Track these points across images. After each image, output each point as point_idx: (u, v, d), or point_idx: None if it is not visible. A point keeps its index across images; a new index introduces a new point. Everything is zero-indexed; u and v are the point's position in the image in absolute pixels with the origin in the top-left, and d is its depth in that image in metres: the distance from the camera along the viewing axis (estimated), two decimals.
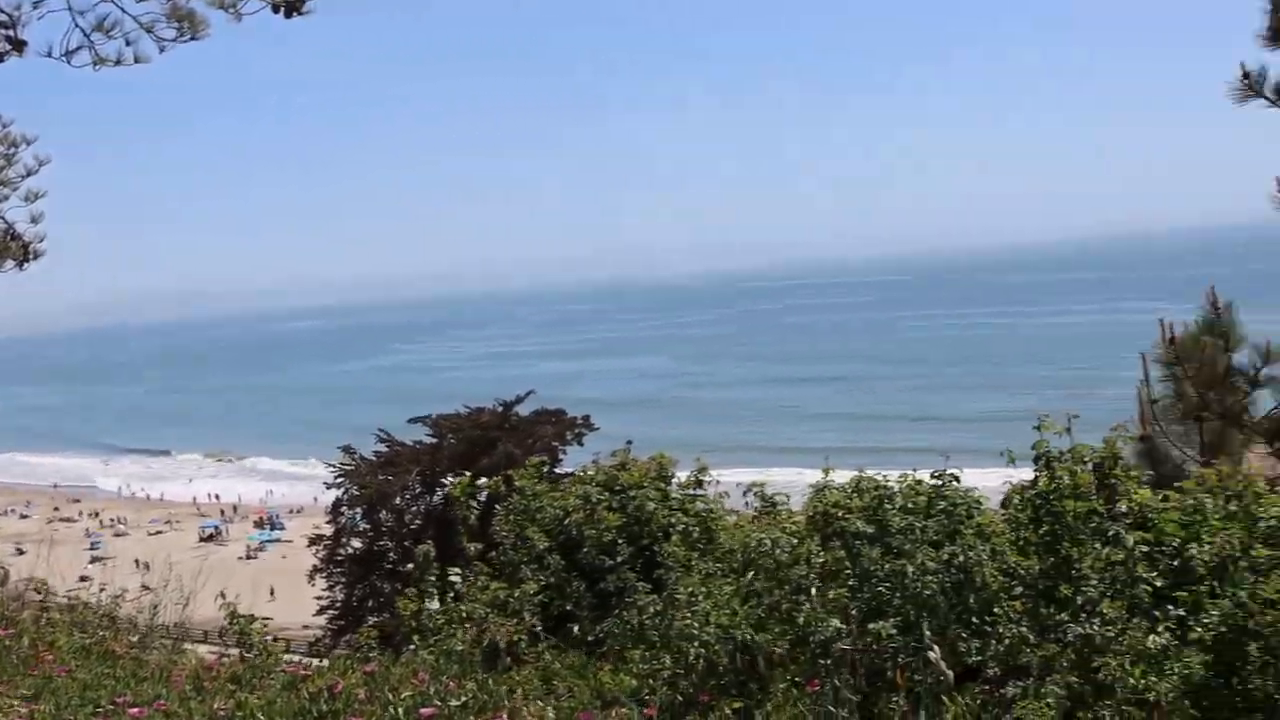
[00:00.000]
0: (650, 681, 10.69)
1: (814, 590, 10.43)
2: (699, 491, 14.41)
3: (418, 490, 50.53)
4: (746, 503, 13.68)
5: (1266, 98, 15.73)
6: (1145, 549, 9.96)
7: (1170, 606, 9.62)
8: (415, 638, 13.23)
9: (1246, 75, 15.74)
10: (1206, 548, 9.89)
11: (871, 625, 9.89)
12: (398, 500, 50.44)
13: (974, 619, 9.83)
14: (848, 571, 10.52)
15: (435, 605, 13.81)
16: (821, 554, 10.88)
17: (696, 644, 10.43)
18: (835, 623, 10.09)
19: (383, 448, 52.65)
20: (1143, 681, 8.99)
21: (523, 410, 52.32)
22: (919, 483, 11.45)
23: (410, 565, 24.31)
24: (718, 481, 14.51)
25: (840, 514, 10.91)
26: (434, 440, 51.43)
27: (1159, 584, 9.79)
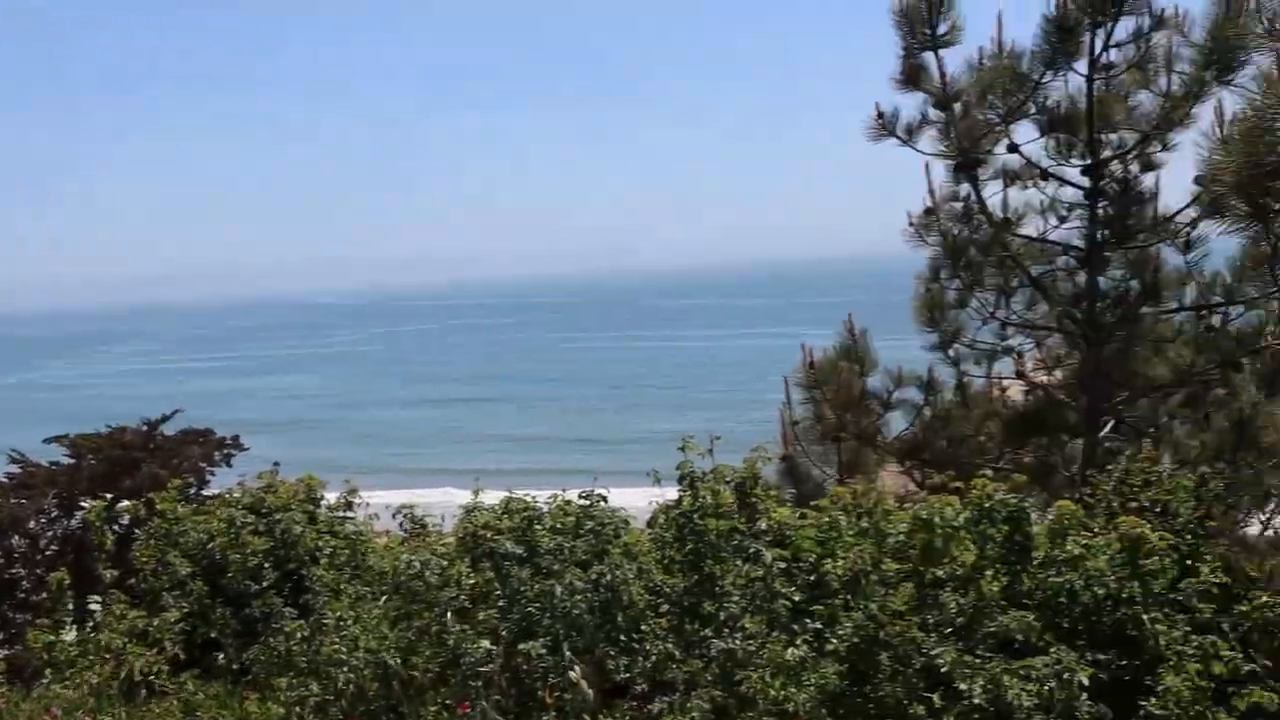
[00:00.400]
0: (298, 709, 10.49)
1: (450, 614, 10.43)
2: (349, 514, 14.22)
3: (54, 514, 48.04)
4: (398, 525, 13.57)
5: (898, 137, 16.71)
6: (784, 565, 10.32)
7: (807, 620, 10.00)
8: (48, 671, 12.64)
9: (881, 115, 16.69)
10: (841, 563, 10.30)
11: (521, 646, 9.95)
12: (32, 525, 47.84)
13: (622, 637, 9.99)
14: (497, 593, 10.55)
15: (71, 636, 13.21)
16: (471, 576, 10.90)
17: (345, 669, 10.29)
18: (485, 644, 10.11)
19: (15, 469, 49.92)
20: (782, 693, 9.32)
21: (168, 430, 50.41)
22: (568, 503, 11.58)
23: (44, 594, 23.13)
24: (368, 503, 14.36)
25: (490, 535, 10.92)
26: (72, 461, 49.08)
27: (797, 599, 10.16)
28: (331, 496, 14.39)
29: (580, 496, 11.47)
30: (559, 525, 11.05)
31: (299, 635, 10.98)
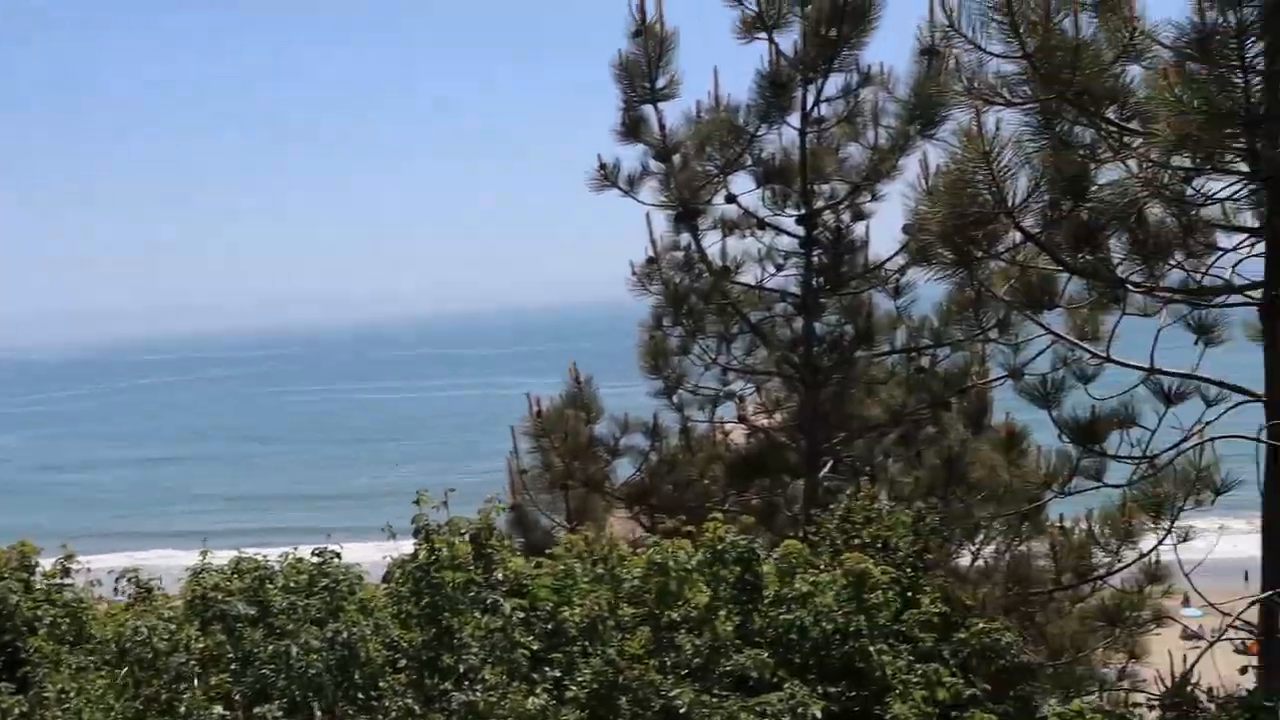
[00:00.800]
0: None
1: (182, 680, 10.13)
2: (67, 581, 13.64)
3: None
4: (118, 590, 13.09)
5: (620, 188, 17.05)
6: (522, 615, 10.35)
7: (547, 668, 10.04)
8: None
9: (603, 166, 17.01)
10: (578, 610, 10.39)
11: (257, 709, 9.71)
12: None
13: (360, 694, 9.84)
14: (230, 655, 10.27)
15: None
16: (202, 639, 10.58)
17: None
18: (218, 709, 9.84)
19: None
20: None
21: None
22: (300, 561, 11.36)
23: None
24: (88, 569, 13.79)
25: (220, 596, 10.63)
26: None
27: (536, 647, 10.19)
28: (46, 563, 13.78)
29: (313, 554, 11.26)
30: (292, 584, 10.81)
31: (16, 711, 10.48)
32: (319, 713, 9.52)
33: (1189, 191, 11.05)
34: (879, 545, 11.52)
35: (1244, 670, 11.79)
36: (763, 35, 15.78)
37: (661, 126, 16.55)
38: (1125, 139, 10.66)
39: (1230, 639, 11.64)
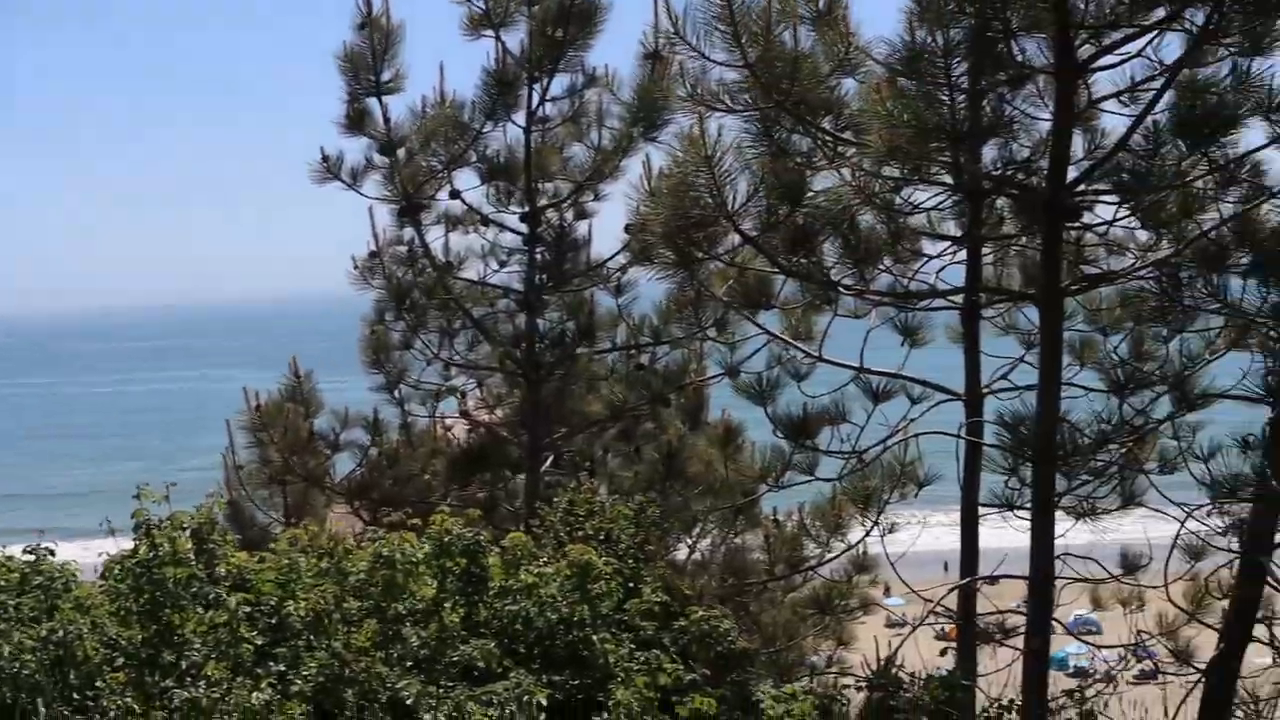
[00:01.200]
0: None
1: None
2: None
3: None
4: None
5: (343, 180, 16.95)
6: (246, 610, 10.23)
7: (271, 663, 9.95)
8: None
9: (326, 158, 16.87)
10: (302, 604, 10.33)
11: None
12: None
13: (76, 695, 9.58)
14: None
15: None
16: None
17: None
18: None
19: None
20: None
21: None
22: (10, 559, 10.97)
23: None
24: None
25: None
26: None
27: (260, 642, 10.09)
28: None
29: (25, 551, 10.89)
30: (2, 583, 10.44)
31: None
32: (43, 711, 9.22)
33: (898, 201, 11.62)
34: (602, 538, 11.76)
35: (944, 653, 12.50)
36: (490, 33, 15.92)
37: (386, 120, 16.51)
38: (839, 148, 11.14)
39: (931, 625, 12.34)
